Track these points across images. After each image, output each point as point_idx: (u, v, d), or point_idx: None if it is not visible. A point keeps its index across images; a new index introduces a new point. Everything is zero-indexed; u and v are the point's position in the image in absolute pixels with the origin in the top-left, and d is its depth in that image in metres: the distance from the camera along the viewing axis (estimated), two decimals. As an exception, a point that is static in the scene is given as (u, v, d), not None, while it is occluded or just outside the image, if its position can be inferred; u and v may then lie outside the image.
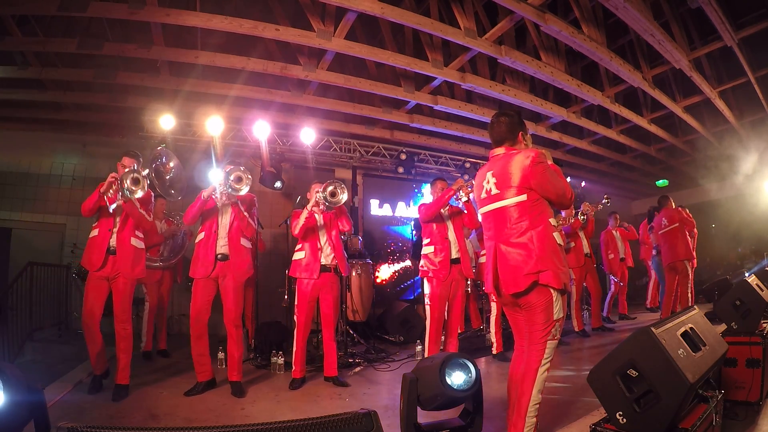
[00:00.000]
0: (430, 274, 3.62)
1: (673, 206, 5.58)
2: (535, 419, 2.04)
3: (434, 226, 3.69)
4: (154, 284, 4.52)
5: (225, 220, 3.35)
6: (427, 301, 3.65)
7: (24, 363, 4.75)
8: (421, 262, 3.73)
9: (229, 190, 3.18)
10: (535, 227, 2.08)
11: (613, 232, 6.52)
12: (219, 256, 3.28)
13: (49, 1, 3.89)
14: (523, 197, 2.10)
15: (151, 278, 4.45)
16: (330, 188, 3.39)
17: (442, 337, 3.75)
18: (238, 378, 3.30)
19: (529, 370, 2.05)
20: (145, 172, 3.18)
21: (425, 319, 3.71)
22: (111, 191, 3.09)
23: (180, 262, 4.87)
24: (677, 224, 5.43)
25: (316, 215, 3.57)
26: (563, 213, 5.36)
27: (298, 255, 3.59)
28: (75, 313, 5.90)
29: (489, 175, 2.23)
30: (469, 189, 3.50)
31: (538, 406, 2.04)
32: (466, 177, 7.74)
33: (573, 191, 2.20)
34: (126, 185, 2.97)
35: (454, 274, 3.61)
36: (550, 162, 2.20)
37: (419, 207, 3.80)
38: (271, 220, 6.64)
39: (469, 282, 4.64)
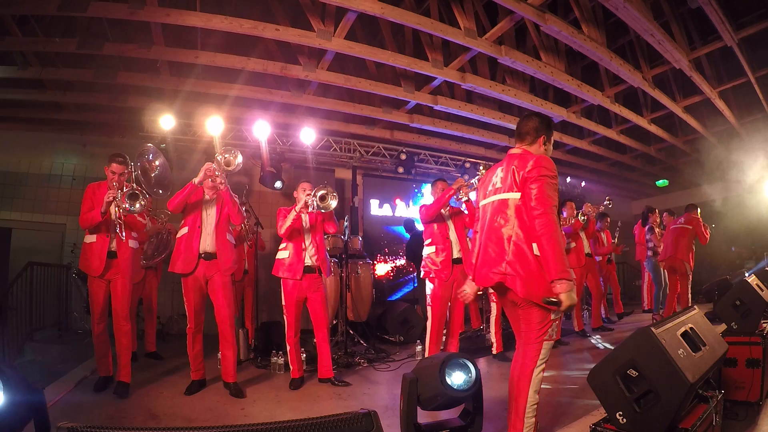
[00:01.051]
0: (432, 275, 3.61)
1: (698, 215, 5.60)
2: (534, 419, 2.04)
3: (435, 226, 3.68)
4: (136, 285, 4.45)
5: (210, 216, 3.31)
6: (428, 301, 3.65)
7: (24, 363, 4.74)
8: (423, 262, 3.73)
9: (221, 172, 3.16)
10: (518, 230, 2.06)
11: (601, 234, 6.46)
12: (203, 254, 3.24)
13: (49, 1, 3.89)
14: (518, 195, 2.10)
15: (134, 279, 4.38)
16: (321, 192, 3.36)
17: (443, 338, 3.75)
18: (233, 379, 3.30)
19: (525, 371, 2.05)
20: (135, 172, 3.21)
21: (426, 319, 3.71)
22: (112, 209, 3.16)
23: (161, 262, 4.82)
24: (691, 228, 5.48)
25: (303, 215, 3.55)
26: (564, 213, 5.37)
27: (281, 254, 3.56)
28: (75, 313, 5.90)
29: (499, 170, 2.26)
30: (469, 189, 3.50)
31: (536, 406, 2.04)
32: (467, 177, 7.75)
33: (558, 225, 2.03)
34: (125, 206, 3.04)
35: (456, 274, 3.61)
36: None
37: (420, 208, 3.79)
38: (271, 221, 6.62)
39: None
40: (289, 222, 3.44)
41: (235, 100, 5.80)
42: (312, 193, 3.38)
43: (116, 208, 3.13)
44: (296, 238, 3.54)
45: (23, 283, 5.05)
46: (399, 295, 7.38)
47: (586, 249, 5.56)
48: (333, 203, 3.39)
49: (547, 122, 2.28)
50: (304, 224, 3.57)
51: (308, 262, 3.51)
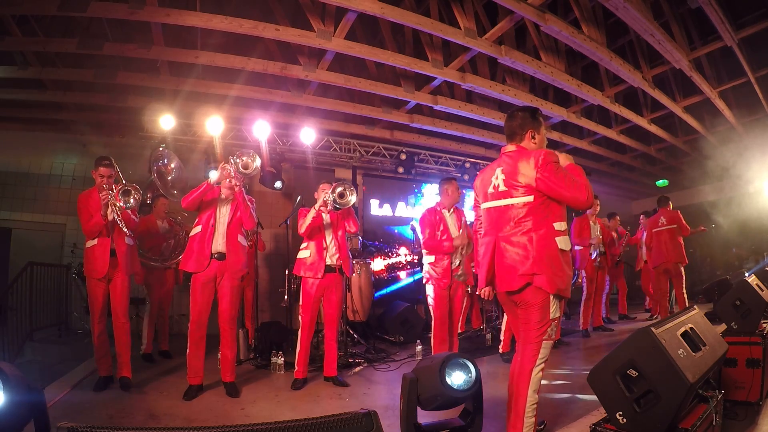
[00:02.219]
0: (432, 281, 3.66)
1: (671, 207, 5.59)
2: (533, 419, 2.04)
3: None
4: (156, 285, 4.51)
5: (224, 216, 3.33)
6: (430, 302, 3.70)
7: (24, 363, 4.74)
8: (425, 268, 3.76)
9: (237, 172, 3.21)
10: (538, 229, 2.06)
11: (612, 233, 6.46)
12: (216, 254, 3.26)
13: (49, 1, 3.88)
14: (530, 198, 2.09)
15: (153, 278, 4.44)
16: (339, 189, 3.38)
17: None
18: (231, 378, 3.32)
19: (524, 371, 2.05)
20: (152, 177, 3.25)
21: (429, 319, 3.73)
22: (109, 211, 3.23)
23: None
24: (675, 226, 5.45)
25: (324, 214, 3.56)
26: (588, 212, 5.43)
27: (303, 253, 3.57)
28: (75, 313, 5.90)
29: (498, 171, 2.23)
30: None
31: (535, 406, 2.04)
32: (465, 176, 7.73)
33: (591, 191, 2.08)
34: (120, 204, 3.14)
35: (455, 279, 3.66)
36: (569, 162, 2.18)
37: (420, 222, 3.79)
38: (271, 220, 6.63)
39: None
40: (308, 221, 3.44)
41: (235, 100, 5.80)
42: (330, 191, 3.39)
43: (113, 207, 3.20)
44: (317, 237, 3.55)
45: (23, 283, 5.05)
46: (391, 289, 7.29)
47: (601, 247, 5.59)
48: (352, 199, 3.39)
49: (531, 114, 2.24)
50: (324, 223, 3.58)
51: (329, 261, 3.52)
